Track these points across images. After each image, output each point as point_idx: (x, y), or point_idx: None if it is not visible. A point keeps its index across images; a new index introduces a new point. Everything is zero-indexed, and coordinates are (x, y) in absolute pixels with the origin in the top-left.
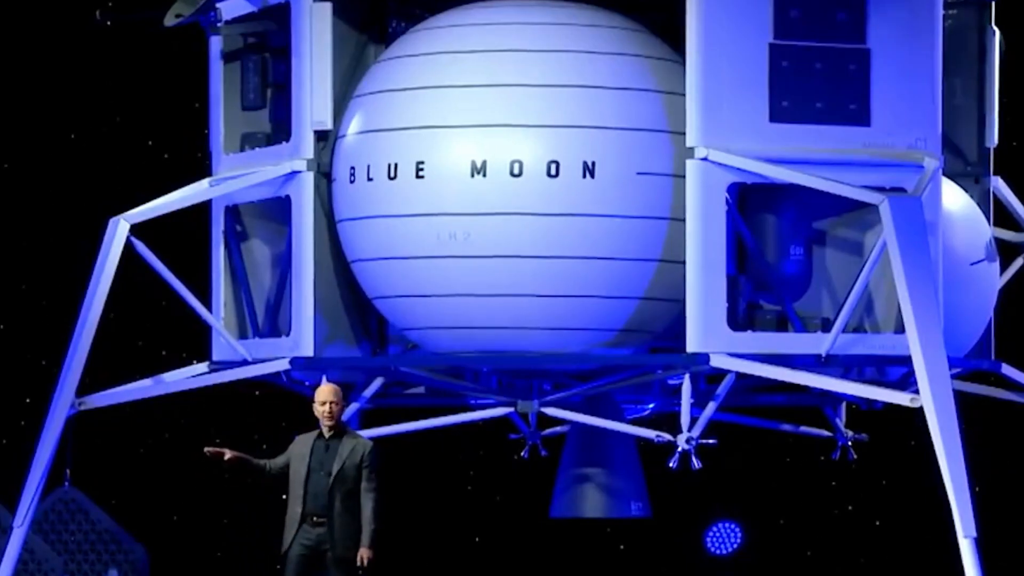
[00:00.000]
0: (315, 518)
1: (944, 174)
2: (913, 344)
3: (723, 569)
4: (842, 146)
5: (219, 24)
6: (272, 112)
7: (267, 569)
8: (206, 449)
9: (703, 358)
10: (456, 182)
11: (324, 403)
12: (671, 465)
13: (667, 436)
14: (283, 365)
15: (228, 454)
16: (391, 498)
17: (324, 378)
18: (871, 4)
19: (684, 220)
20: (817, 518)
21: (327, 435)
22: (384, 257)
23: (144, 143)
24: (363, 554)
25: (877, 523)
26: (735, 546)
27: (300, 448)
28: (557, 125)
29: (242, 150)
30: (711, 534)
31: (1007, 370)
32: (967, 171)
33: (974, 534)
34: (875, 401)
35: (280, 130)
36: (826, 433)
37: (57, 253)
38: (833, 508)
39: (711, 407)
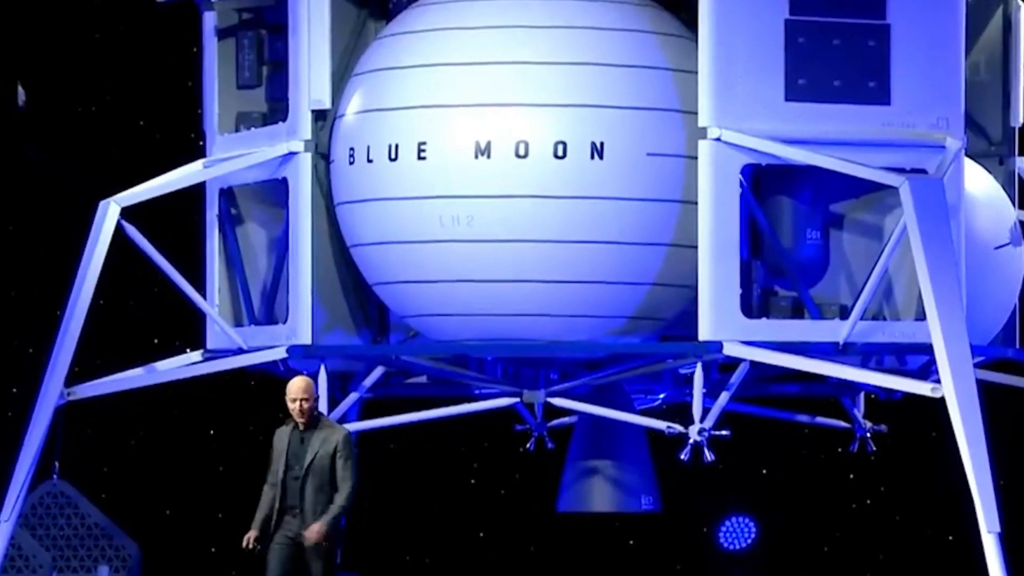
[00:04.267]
0: (293, 510)
1: (967, 155)
2: (935, 332)
3: (737, 565)
4: (861, 126)
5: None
6: (268, 91)
7: (262, 565)
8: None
9: (716, 346)
10: (459, 163)
11: (295, 400)
12: (683, 457)
13: (678, 427)
14: (280, 354)
15: (251, 539)
16: (393, 493)
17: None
18: None
19: (696, 203)
20: (834, 512)
21: (301, 428)
22: (385, 241)
23: (136, 123)
24: (313, 528)
25: (897, 518)
26: (749, 541)
27: (279, 443)
28: (564, 104)
29: (237, 130)
30: (724, 529)
31: None
32: (991, 151)
33: (998, 529)
34: (895, 391)
35: (277, 109)
36: (844, 424)
37: (45, 237)
38: (851, 502)
39: (724, 397)
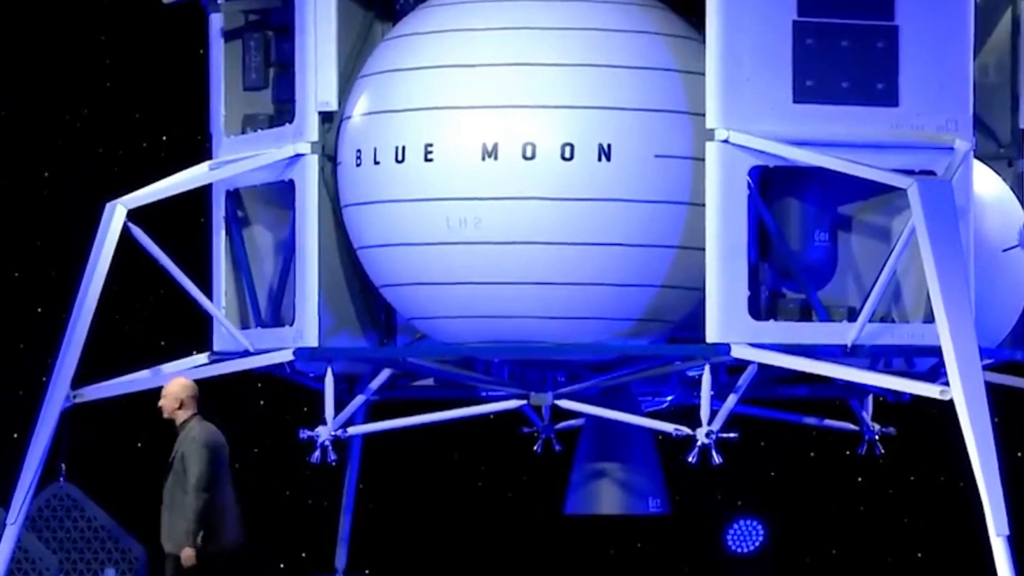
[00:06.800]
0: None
1: (976, 157)
2: (943, 334)
3: (744, 568)
4: (869, 128)
5: (219, 1)
6: (275, 92)
7: (265, 566)
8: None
9: (724, 348)
10: (466, 165)
11: None
12: (690, 460)
13: (686, 430)
14: (286, 356)
15: None
16: (400, 495)
17: None
18: None
19: (704, 205)
20: (842, 515)
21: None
22: (391, 244)
23: (141, 125)
24: (184, 554)
25: (905, 520)
26: (757, 544)
27: None
28: (572, 106)
29: (243, 132)
30: (732, 532)
31: None
32: (1000, 153)
33: (1007, 532)
34: (903, 393)
35: (283, 111)
36: (852, 427)
37: (51, 239)
38: (859, 505)
39: (732, 399)
